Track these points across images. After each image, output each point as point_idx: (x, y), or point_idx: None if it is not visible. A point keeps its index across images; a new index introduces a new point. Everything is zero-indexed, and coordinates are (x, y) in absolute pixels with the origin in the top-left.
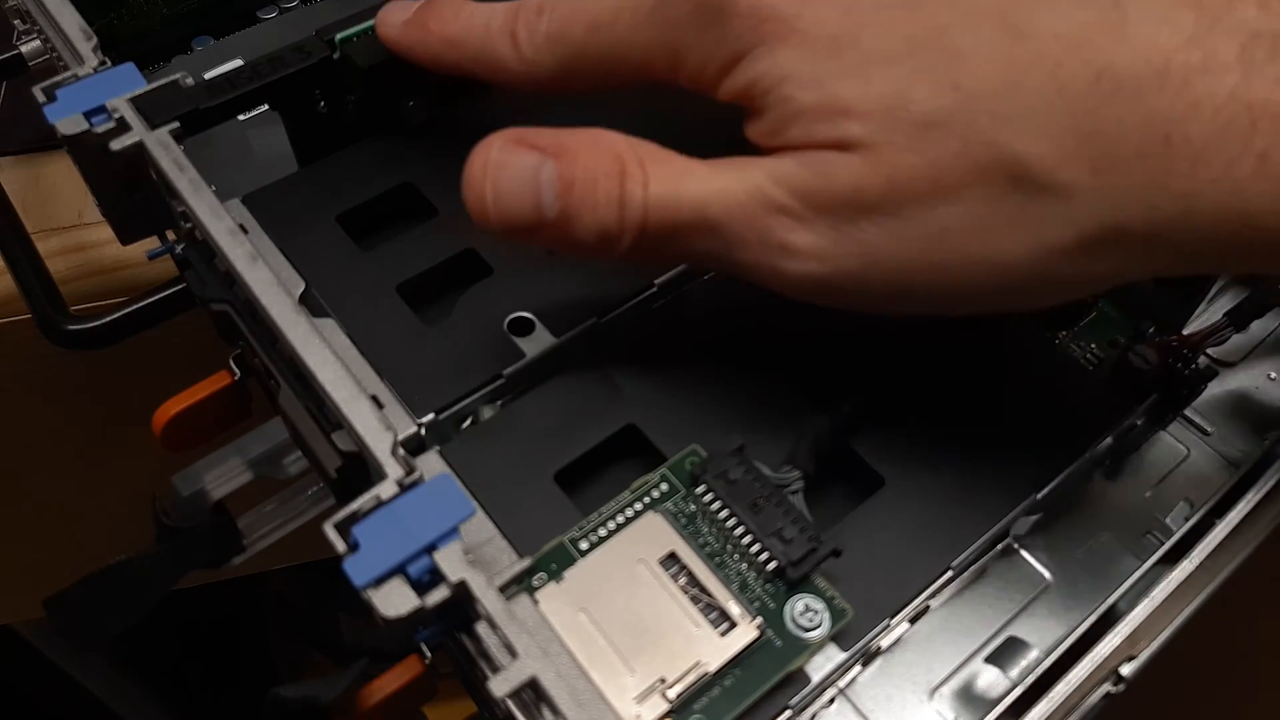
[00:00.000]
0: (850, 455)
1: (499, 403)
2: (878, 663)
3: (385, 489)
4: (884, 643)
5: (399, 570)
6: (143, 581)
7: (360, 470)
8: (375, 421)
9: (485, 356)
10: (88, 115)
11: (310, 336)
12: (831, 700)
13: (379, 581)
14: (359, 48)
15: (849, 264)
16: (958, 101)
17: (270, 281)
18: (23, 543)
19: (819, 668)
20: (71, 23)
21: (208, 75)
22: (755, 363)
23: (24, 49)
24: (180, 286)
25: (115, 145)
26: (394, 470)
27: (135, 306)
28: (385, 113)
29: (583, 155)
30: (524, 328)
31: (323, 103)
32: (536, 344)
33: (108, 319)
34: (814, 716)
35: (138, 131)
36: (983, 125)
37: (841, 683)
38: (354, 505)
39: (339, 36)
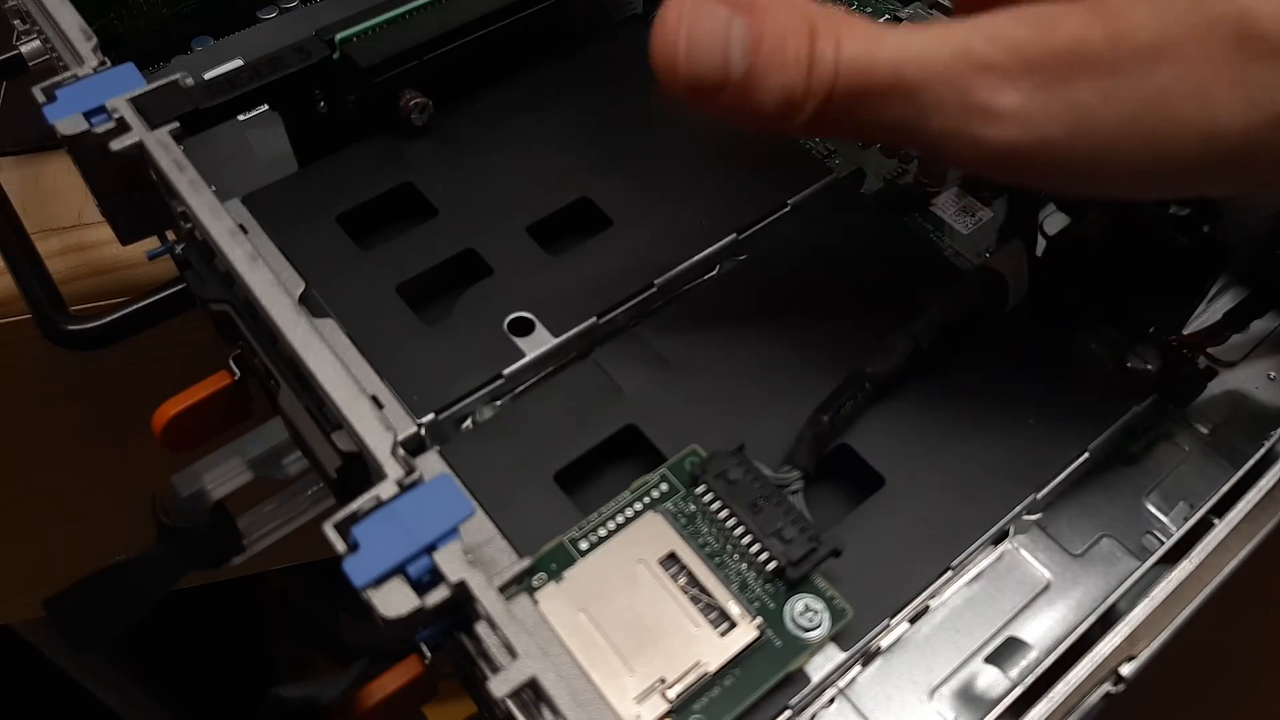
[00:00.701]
0: (850, 455)
1: (499, 402)
2: (878, 663)
3: (385, 489)
4: (884, 643)
5: (399, 570)
6: (142, 582)
7: (360, 470)
8: (375, 422)
9: (485, 356)
10: (88, 115)
11: (310, 336)
12: (831, 700)
13: (379, 582)
14: (359, 47)
15: (1054, 130)
16: None
17: (270, 281)
18: (22, 542)
19: (819, 668)
20: (71, 23)
21: (208, 75)
22: (755, 363)
23: (24, 49)
24: (180, 287)
25: (115, 145)
26: (394, 470)
27: (135, 307)
28: (385, 113)
29: (773, 11)
30: (524, 328)
31: (323, 103)
32: (536, 344)
33: (107, 319)
34: (814, 716)
35: (137, 132)
36: None
37: (841, 683)
38: (354, 505)
39: (339, 36)
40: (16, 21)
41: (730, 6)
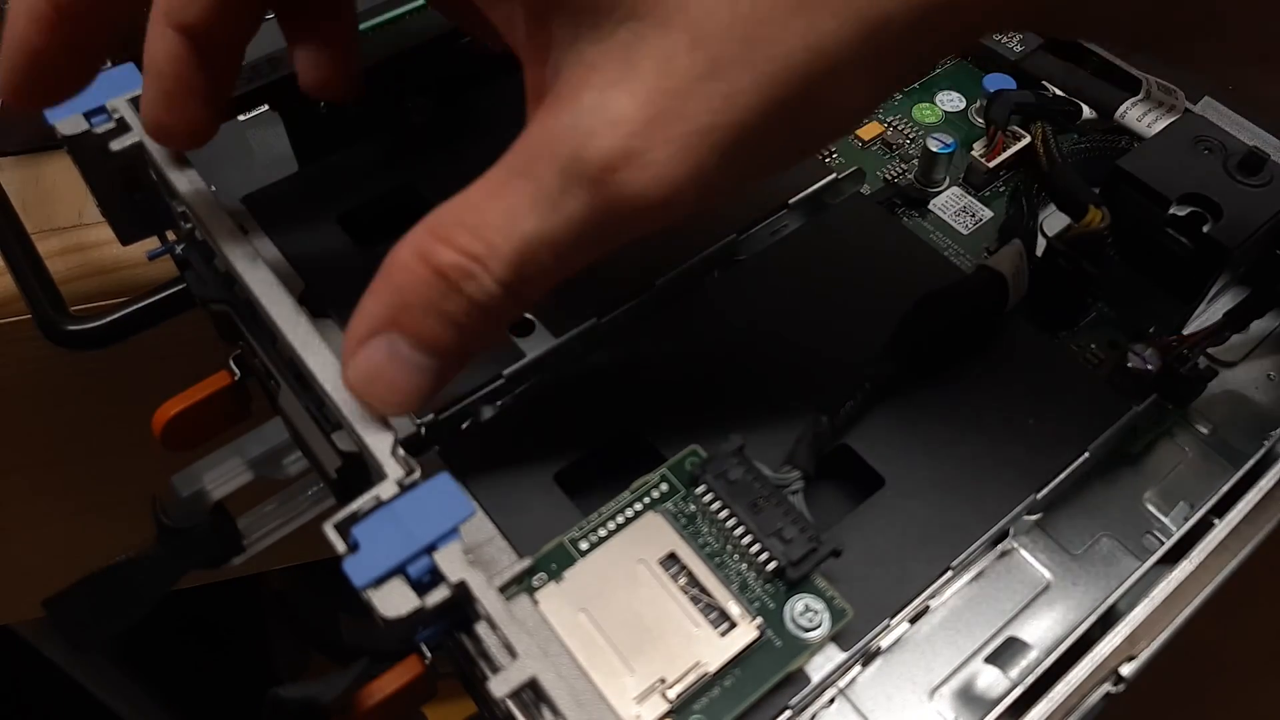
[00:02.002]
0: (850, 455)
1: (499, 403)
2: (878, 663)
3: (385, 489)
4: (884, 643)
5: (399, 570)
6: (142, 582)
7: (360, 470)
8: (375, 422)
9: (485, 357)
10: (88, 116)
11: (310, 336)
12: (831, 700)
13: (379, 582)
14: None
15: (702, 150)
16: None
17: (270, 281)
18: (22, 543)
19: (819, 668)
20: None
21: None
22: (754, 364)
23: None
24: (179, 287)
25: (115, 145)
26: (394, 470)
27: (135, 307)
28: (385, 113)
29: (411, 301)
30: (524, 328)
31: (322, 103)
32: (537, 344)
33: (107, 319)
34: (814, 717)
35: (137, 132)
36: None
37: (841, 683)
38: (354, 506)
39: None
40: None
41: (379, 333)
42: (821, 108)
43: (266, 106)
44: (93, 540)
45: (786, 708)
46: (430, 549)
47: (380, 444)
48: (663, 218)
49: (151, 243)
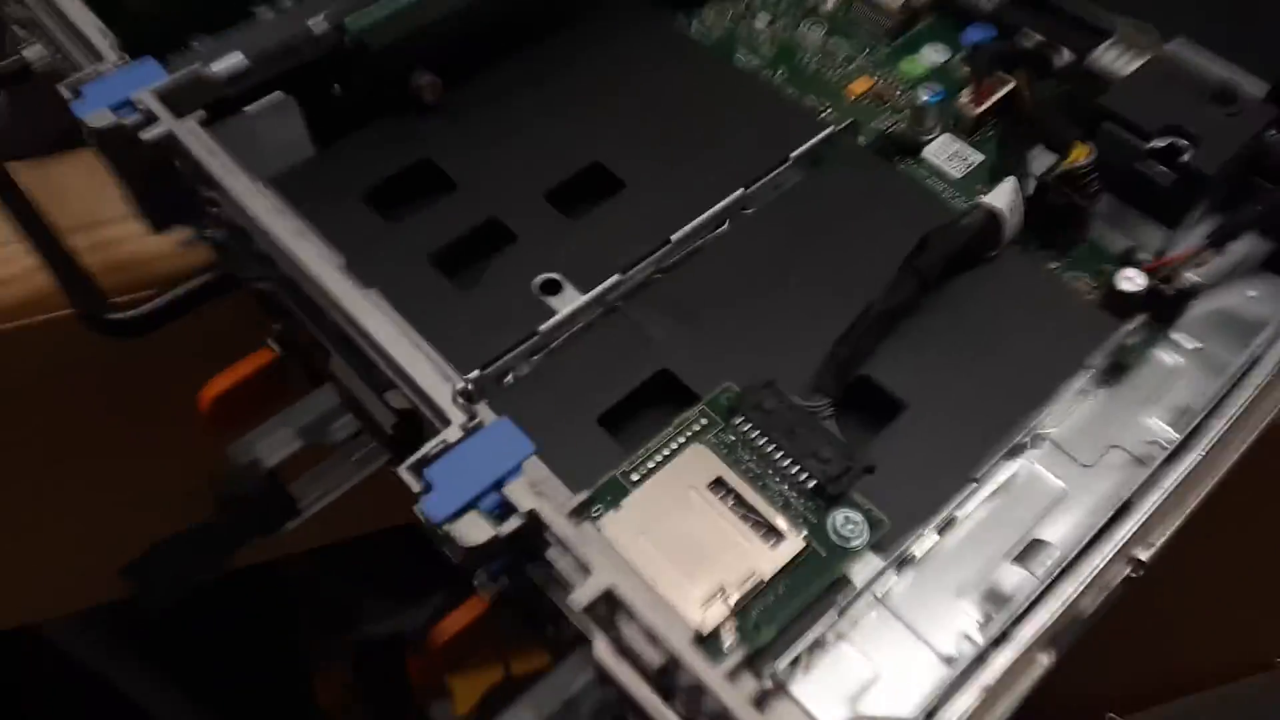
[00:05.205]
0: (871, 386)
1: (535, 358)
2: (911, 573)
3: (451, 433)
4: (917, 552)
5: (472, 505)
6: (209, 548)
7: (414, 425)
8: (434, 373)
9: (519, 316)
10: (114, 109)
11: (364, 301)
12: (870, 606)
13: (455, 516)
14: (368, 32)
15: None
16: None
17: (319, 254)
18: (52, 538)
19: (860, 574)
20: (88, 22)
21: (214, 68)
22: (772, 306)
23: (26, 53)
24: (210, 276)
25: (145, 136)
26: (457, 416)
27: (171, 295)
28: (397, 93)
29: None
30: (553, 287)
31: (336, 86)
32: (566, 301)
33: (146, 308)
34: (856, 620)
35: (166, 122)
36: None
37: (880, 591)
38: (424, 449)
39: (348, 23)
40: (15, 28)
41: None
42: None
43: (271, 96)
44: (122, 534)
45: (832, 609)
46: (498, 485)
47: (442, 394)
48: None
49: (173, 240)
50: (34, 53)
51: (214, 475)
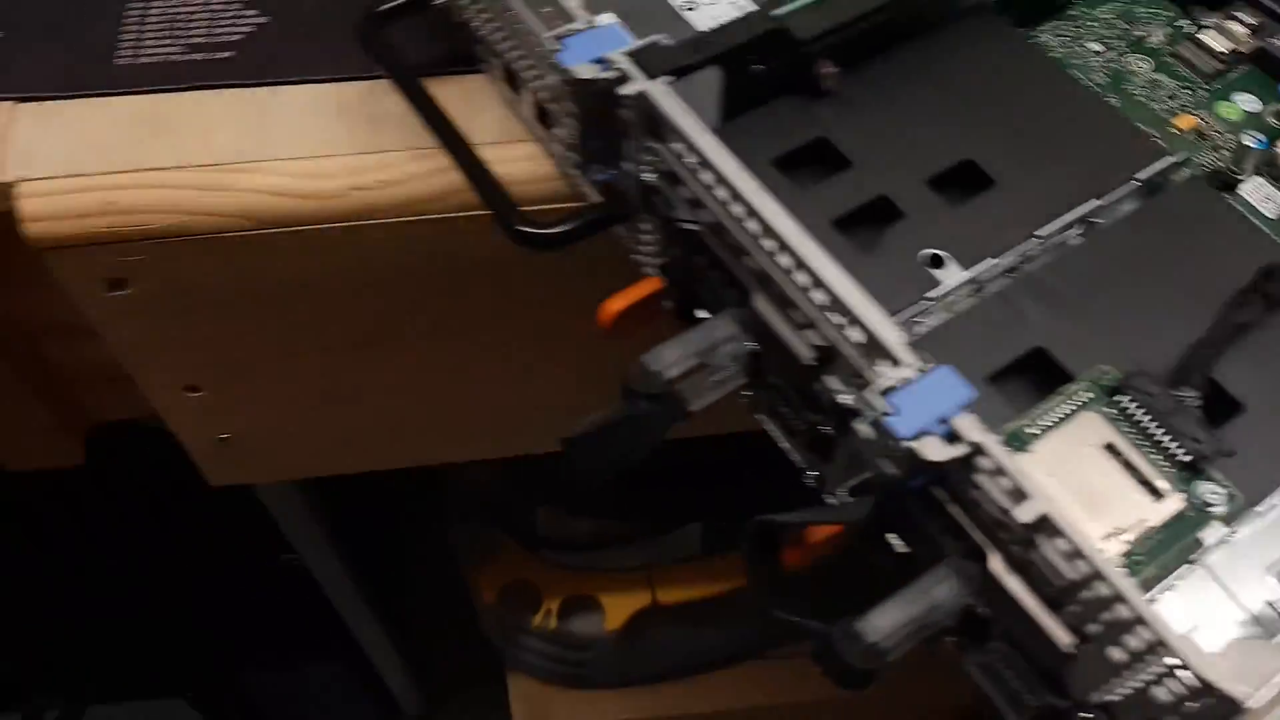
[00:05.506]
0: (1214, 385)
1: (928, 320)
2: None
3: (907, 372)
4: (1249, 529)
5: (928, 430)
6: (632, 435)
7: (828, 361)
8: (889, 323)
9: (909, 283)
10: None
11: (822, 254)
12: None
13: (916, 436)
14: (796, 21)
15: None
16: None
17: (778, 210)
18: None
19: (1209, 536)
20: None
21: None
22: (1128, 304)
23: None
24: (611, 208)
25: (623, 91)
26: (912, 360)
27: (585, 218)
28: (801, 76)
29: None
30: (937, 262)
31: (756, 67)
32: (950, 275)
33: (563, 227)
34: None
35: (640, 81)
36: None
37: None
38: (889, 381)
39: (779, 12)
40: None
41: None
42: None
43: (713, 69)
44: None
45: (1188, 562)
46: (945, 420)
47: (897, 341)
48: None
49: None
50: None
51: (626, 376)
